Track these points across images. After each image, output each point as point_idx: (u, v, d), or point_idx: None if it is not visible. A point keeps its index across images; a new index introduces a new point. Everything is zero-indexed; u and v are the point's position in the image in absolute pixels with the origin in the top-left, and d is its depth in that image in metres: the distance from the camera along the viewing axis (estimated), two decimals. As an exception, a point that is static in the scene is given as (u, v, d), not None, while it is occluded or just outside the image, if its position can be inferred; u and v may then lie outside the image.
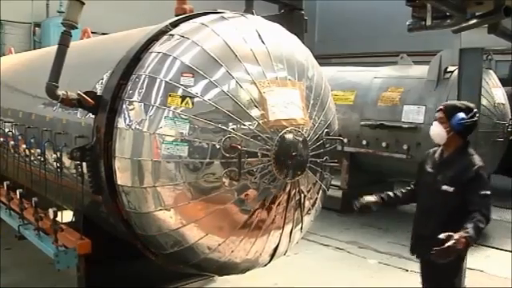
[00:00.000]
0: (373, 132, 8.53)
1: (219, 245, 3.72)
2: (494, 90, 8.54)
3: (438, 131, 3.74)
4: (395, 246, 5.83)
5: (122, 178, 3.62)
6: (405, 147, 8.02)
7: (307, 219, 4.26)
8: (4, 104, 6.10)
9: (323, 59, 6.70)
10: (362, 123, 8.65)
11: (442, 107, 3.79)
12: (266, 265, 4.30)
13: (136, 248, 4.04)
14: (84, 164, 3.94)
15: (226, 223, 3.65)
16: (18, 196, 5.05)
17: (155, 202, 3.54)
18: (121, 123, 3.61)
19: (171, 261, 4.00)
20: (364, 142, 8.67)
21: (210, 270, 4.13)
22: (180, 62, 3.55)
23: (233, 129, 3.46)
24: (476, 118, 3.67)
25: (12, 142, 5.44)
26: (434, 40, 10.55)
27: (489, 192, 3.45)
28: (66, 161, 4.29)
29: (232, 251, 3.82)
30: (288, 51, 3.93)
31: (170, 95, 3.44)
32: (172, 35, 3.83)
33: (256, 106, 3.53)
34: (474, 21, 5.66)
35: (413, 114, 8.08)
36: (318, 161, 3.94)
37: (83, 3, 3.84)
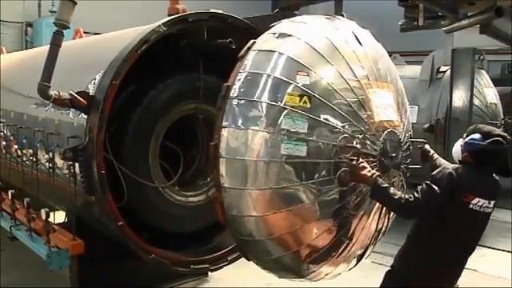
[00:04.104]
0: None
1: (324, 247, 3.62)
2: (486, 90, 8.59)
3: (456, 147, 3.65)
4: (389, 246, 5.82)
5: (232, 179, 3.43)
6: (398, 147, 8.04)
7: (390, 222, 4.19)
8: (-4, 104, 6.07)
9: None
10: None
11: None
12: (351, 269, 4.19)
13: (128, 249, 4.04)
14: (77, 164, 3.93)
15: (334, 226, 3.57)
16: (10, 197, 5.03)
17: (269, 205, 3.38)
18: (232, 123, 3.42)
19: (273, 267, 3.81)
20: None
21: (303, 277, 3.92)
22: (294, 60, 3.45)
23: (346, 129, 3.42)
24: (496, 147, 3.37)
25: (4, 143, 5.41)
26: (426, 40, 10.60)
27: (429, 187, 3.34)
28: (59, 161, 4.27)
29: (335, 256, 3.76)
30: (380, 53, 3.96)
31: (288, 94, 3.33)
32: (277, 33, 3.70)
33: (363, 107, 3.53)
34: (466, 21, 5.69)
35: (406, 114, 8.10)
36: (407, 162, 3.92)
37: (75, 3, 3.82)
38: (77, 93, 3.89)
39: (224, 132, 3.41)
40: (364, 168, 3.36)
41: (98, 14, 12.77)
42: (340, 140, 3.38)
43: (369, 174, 3.34)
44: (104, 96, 3.84)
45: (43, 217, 4.30)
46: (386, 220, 4.03)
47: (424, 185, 3.36)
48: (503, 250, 7.39)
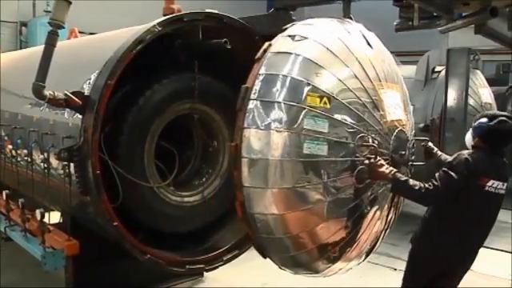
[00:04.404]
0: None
1: (343, 242, 3.75)
2: (481, 90, 8.62)
3: (467, 135, 3.91)
4: (385, 246, 5.84)
5: (253, 179, 3.50)
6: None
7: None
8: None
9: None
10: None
11: None
12: (359, 263, 4.28)
13: (123, 249, 4.03)
14: (71, 164, 3.92)
15: (350, 223, 3.69)
16: (4, 197, 5.01)
17: (290, 203, 3.49)
18: (253, 123, 3.48)
19: (290, 264, 3.89)
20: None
21: (318, 273, 4.01)
22: (312, 62, 3.55)
23: (363, 129, 3.56)
24: (502, 126, 3.64)
25: (-2, 143, 5.38)
26: (421, 40, 10.61)
27: (447, 173, 3.58)
28: (54, 161, 4.26)
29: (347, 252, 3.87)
30: (387, 55, 4.09)
31: (309, 95, 3.44)
32: (292, 36, 3.76)
33: (377, 108, 3.67)
34: (460, 21, 5.70)
35: (401, 114, 8.13)
36: (412, 159, 4.06)
37: (70, 2, 3.80)
38: (72, 93, 3.88)
39: (245, 133, 3.47)
40: (382, 165, 3.52)
41: (93, 14, 12.75)
42: (357, 139, 3.51)
43: (387, 171, 3.52)
44: (99, 96, 3.83)
45: (38, 217, 4.29)
46: (394, 215, 4.15)
47: (441, 172, 3.59)
48: (501, 250, 7.39)
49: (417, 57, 9.43)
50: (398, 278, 6.09)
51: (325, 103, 3.45)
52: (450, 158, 3.77)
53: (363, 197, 3.65)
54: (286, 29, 3.84)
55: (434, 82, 8.43)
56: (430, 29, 6.19)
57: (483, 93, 8.63)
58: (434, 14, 5.74)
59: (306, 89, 3.45)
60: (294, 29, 3.83)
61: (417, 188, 3.53)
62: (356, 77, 3.62)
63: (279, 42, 3.72)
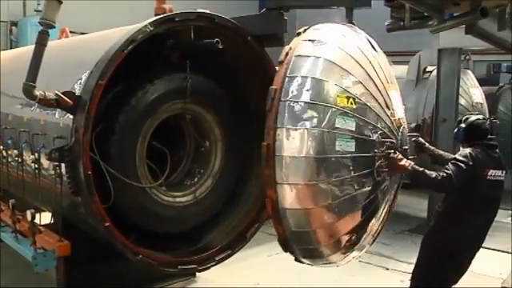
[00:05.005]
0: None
1: (361, 232, 4.01)
2: (471, 90, 8.67)
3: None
4: (377, 245, 5.86)
5: (287, 176, 3.68)
6: (385, 147, 8.11)
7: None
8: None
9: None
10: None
11: None
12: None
13: (115, 249, 4.02)
14: (63, 165, 3.90)
15: (368, 214, 3.93)
16: (-5, 198, 4.99)
17: (322, 197, 3.71)
18: (285, 123, 3.67)
19: (311, 256, 4.04)
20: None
21: (336, 263, 4.22)
22: (336, 64, 3.77)
23: (381, 127, 3.85)
24: (469, 121, 4.40)
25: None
26: (413, 40, 10.65)
27: (456, 164, 4.10)
28: (45, 162, 4.24)
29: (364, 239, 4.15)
30: (385, 58, 4.34)
31: (338, 95, 3.68)
32: (311, 40, 3.92)
33: (388, 107, 3.96)
34: (451, 21, 5.74)
35: (393, 114, 8.18)
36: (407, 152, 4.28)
37: (61, 2, 3.79)
38: (63, 93, 3.86)
39: (278, 132, 3.66)
40: (402, 159, 3.87)
41: (84, 14, 12.68)
42: (378, 136, 3.80)
43: (407, 164, 3.88)
44: (90, 96, 3.81)
45: (29, 218, 4.27)
46: (394, 202, 4.39)
47: (450, 164, 4.09)
48: (498, 250, 7.42)
49: (408, 57, 9.47)
50: (390, 277, 6.17)
51: (351, 103, 3.72)
52: (456, 155, 4.25)
53: (379, 189, 3.91)
54: (299, 33, 4.02)
55: (426, 82, 8.48)
56: (421, 29, 6.22)
57: (474, 93, 8.68)
58: (425, 14, 5.76)
59: (335, 90, 3.69)
60: (310, 33, 4.02)
61: (434, 176, 3.97)
62: (371, 79, 3.88)
63: (300, 46, 3.90)
